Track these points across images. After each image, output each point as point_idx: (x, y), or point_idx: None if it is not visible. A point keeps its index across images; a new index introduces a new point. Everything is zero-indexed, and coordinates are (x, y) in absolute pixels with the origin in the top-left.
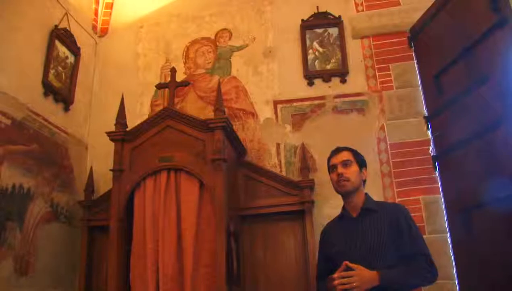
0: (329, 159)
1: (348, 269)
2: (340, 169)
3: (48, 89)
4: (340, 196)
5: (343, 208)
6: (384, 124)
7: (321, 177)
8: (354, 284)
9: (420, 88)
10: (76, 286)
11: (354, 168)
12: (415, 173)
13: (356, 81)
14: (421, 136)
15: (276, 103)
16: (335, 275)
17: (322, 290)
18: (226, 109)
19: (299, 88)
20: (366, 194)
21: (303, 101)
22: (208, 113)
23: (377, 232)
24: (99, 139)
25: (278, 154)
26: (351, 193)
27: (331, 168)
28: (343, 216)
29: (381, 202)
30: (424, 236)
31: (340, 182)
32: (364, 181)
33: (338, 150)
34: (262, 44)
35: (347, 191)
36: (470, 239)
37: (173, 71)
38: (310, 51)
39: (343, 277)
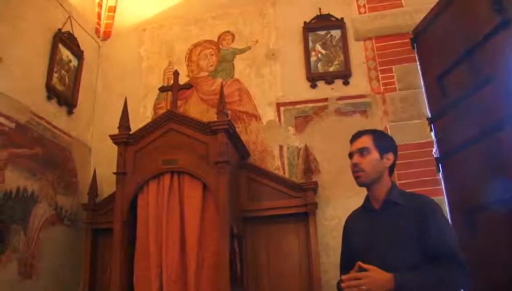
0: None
1: (361, 270)
2: (355, 159)
3: (52, 92)
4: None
5: (367, 197)
6: (387, 126)
7: (324, 178)
8: (363, 287)
9: (423, 90)
10: (80, 288)
11: (372, 156)
12: (418, 175)
13: (359, 83)
14: (425, 138)
15: (279, 105)
16: (344, 277)
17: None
18: (229, 112)
19: (302, 91)
20: (392, 183)
21: (306, 103)
22: (211, 116)
23: (399, 227)
24: (103, 142)
25: (281, 156)
26: (368, 185)
27: (350, 156)
28: (365, 207)
29: (409, 193)
30: None
31: (354, 173)
32: (392, 168)
33: (357, 135)
34: (265, 47)
35: (362, 183)
36: (473, 241)
37: (176, 74)
38: (313, 53)
39: (352, 279)
